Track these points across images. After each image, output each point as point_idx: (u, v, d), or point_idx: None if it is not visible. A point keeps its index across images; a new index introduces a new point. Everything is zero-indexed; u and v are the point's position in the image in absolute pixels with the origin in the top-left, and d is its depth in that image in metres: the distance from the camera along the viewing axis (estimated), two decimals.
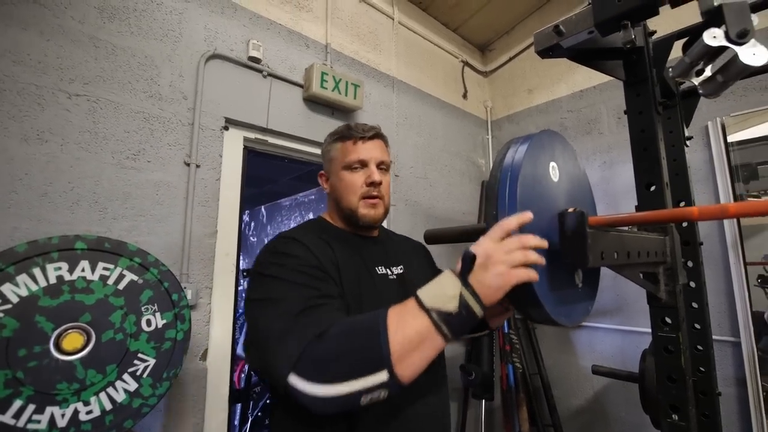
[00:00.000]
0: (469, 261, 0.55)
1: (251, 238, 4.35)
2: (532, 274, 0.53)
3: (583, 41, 0.99)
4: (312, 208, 3.99)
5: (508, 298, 0.57)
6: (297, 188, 3.97)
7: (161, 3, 1.30)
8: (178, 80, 1.30)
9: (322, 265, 0.70)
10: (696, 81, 0.80)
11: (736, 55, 0.67)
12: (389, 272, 0.82)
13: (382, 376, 0.52)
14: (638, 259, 0.76)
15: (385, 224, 1.97)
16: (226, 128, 1.41)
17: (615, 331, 1.88)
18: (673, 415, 0.78)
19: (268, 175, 3.38)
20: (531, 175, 0.67)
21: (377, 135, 0.87)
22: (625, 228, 0.79)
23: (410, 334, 0.53)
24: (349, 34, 1.87)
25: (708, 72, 0.80)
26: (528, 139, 0.69)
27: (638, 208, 1.05)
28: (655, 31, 1.10)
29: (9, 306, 0.73)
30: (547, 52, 1.07)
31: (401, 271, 0.85)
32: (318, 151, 1.72)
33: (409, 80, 2.15)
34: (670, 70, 0.92)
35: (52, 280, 0.78)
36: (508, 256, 0.53)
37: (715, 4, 0.67)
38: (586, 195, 0.85)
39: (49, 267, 0.79)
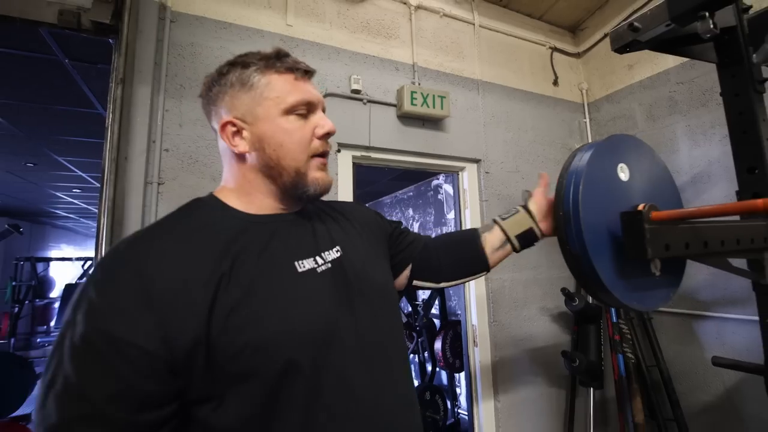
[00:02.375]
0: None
1: None
2: None
3: (663, 32, 1.01)
4: (411, 204, 4.29)
5: (580, 285, 0.70)
6: (395, 187, 4.39)
7: None
8: None
9: (165, 352, 0.45)
10: None
11: None
12: (318, 262, 0.61)
13: None
14: (722, 248, 0.80)
15: (468, 219, 2.11)
16: (338, 151, 1.74)
17: (749, 322, 1.69)
18: None
19: (370, 177, 3.81)
20: (596, 178, 0.78)
21: (312, 72, 0.65)
22: (713, 218, 0.82)
23: None
24: (433, 50, 2.06)
25: None
26: (592, 147, 0.81)
27: (739, 193, 1.04)
28: (750, 6, 1.06)
29: None
30: (624, 48, 1.11)
31: (338, 254, 0.64)
32: (412, 159, 1.94)
33: (494, 79, 2.23)
34: None
35: None
36: None
37: None
38: (665, 189, 0.90)
39: None
